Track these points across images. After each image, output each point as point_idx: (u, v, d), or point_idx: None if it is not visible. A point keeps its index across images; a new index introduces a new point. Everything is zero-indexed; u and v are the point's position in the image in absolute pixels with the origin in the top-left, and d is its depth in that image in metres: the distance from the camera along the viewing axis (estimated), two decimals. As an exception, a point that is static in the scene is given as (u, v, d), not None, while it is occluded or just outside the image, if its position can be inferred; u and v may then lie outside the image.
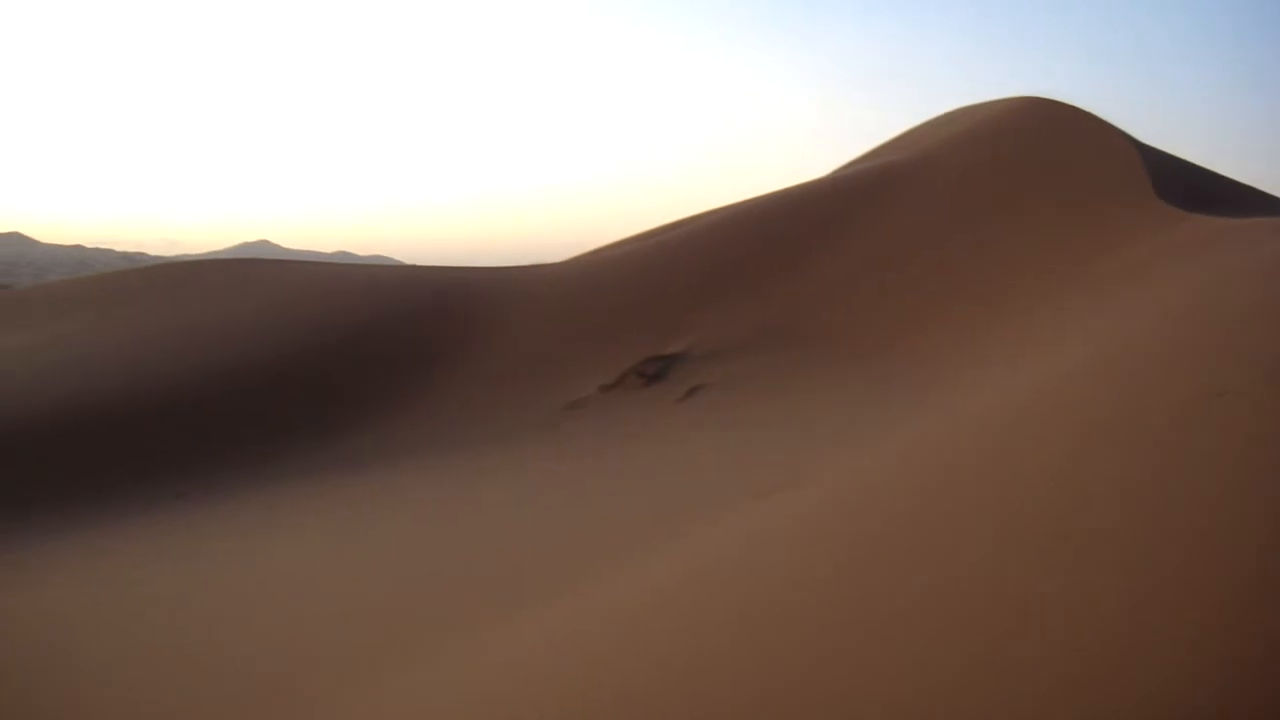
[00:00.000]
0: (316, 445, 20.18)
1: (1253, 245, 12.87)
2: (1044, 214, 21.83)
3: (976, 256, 21.28)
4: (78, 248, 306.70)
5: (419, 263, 44.27)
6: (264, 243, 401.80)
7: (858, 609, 4.00)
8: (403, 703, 5.96)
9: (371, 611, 8.40)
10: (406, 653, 6.94)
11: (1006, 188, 24.05)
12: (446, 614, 7.72)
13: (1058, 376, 7.79)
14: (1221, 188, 26.03)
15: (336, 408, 21.94)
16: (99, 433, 20.05)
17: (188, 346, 24.75)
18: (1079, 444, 5.01)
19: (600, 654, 4.97)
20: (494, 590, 8.14)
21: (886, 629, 3.58)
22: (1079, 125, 26.11)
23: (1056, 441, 5.33)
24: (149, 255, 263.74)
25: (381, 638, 7.49)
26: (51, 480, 18.20)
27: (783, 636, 3.97)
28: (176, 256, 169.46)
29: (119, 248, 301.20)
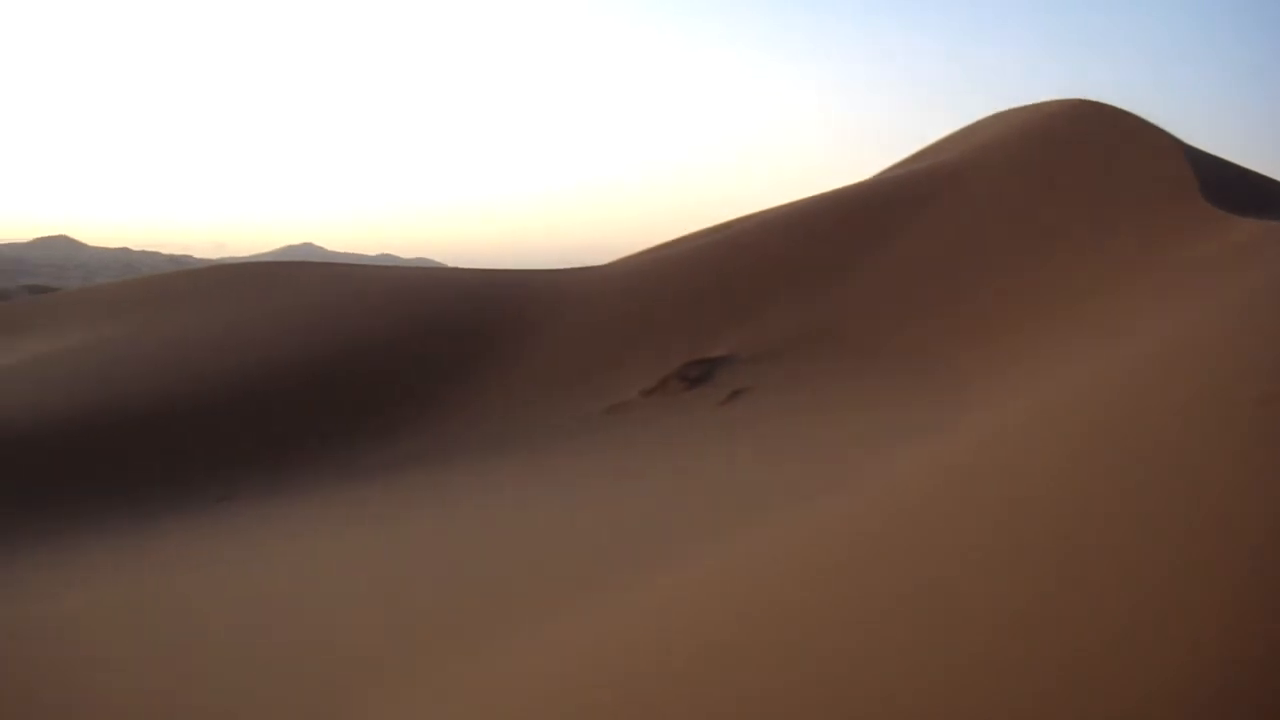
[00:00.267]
0: (359, 449, 20.27)
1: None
2: (1090, 217, 21.63)
3: (1021, 260, 21.09)
4: (124, 250, 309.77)
5: (462, 265, 44.47)
6: (309, 245, 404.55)
7: (884, 611, 3.97)
8: (435, 706, 5.95)
9: (406, 617, 8.39)
10: (440, 658, 6.92)
11: (1052, 190, 23.85)
12: (482, 618, 7.71)
13: (1102, 382, 7.70)
14: (1267, 188, 25.76)
15: (380, 411, 22.02)
16: (145, 435, 20.20)
17: (234, 349, 24.91)
18: (1120, 448, 4.94)
19: (633, 657, 4.94)
20: (529, 594, 8.12)
21: (914, 631, 3.53)
22: (1124, 127, 25.88)
23: (1095, 447, 5.25)
24: (195, 258, 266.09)
25: (415, 643, 7.47)
26: (98, 482, 18.35)
27: (810, 639, 3.93)
28: (223, 259, 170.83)
29: (165, 250, 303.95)
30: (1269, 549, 3.12)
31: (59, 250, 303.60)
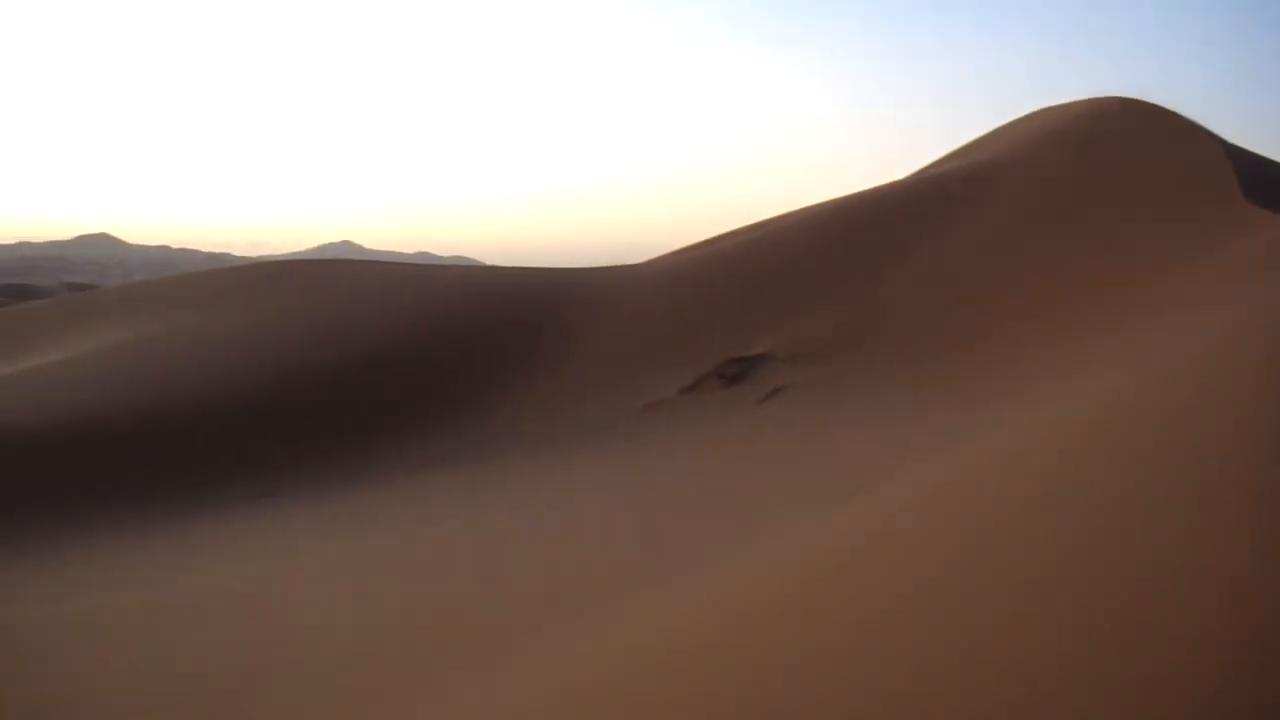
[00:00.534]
0: (397, 448, 20.36)
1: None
2: (1129, 216, 21.51)
3: (1058, 260, 20.97)
4: (164, 248, 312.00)
5: (499, 263, 44.59)
6: (346, 243, 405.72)
7: (904, 615, 3.99)
8: (463, 709, 5.99)
9: (438, 619, 8.42)
10: (470, 660, 6.95)
11: (1090, 189, 23.73)
12: (518, 618, 7.72)
13: (1143, 384, 7.68)
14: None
15: (417, 410, 22.11)
16: (186, 431, 20.37)
17: (272, 347, 25.07)
18: (1160, 453, 4.95)
19: (654, 662, 4.98)
20: (564, 594, 8.14)
21: (938, 635, 3.55)
22: (1163, 124, 25.71)
23: (1132, 450, 5.26)
24: (234, 255, 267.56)
25: (445, 646, 7.49)
26: (138, 478, 18.51)
27: (833, 644, 3.96)
28: (261, 257, 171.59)
29: (204, 248, 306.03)
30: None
31: (100, 248, 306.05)
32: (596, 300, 27.03)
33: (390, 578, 10.47)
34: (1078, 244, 21.27)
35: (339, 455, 19.94)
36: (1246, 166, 22.77)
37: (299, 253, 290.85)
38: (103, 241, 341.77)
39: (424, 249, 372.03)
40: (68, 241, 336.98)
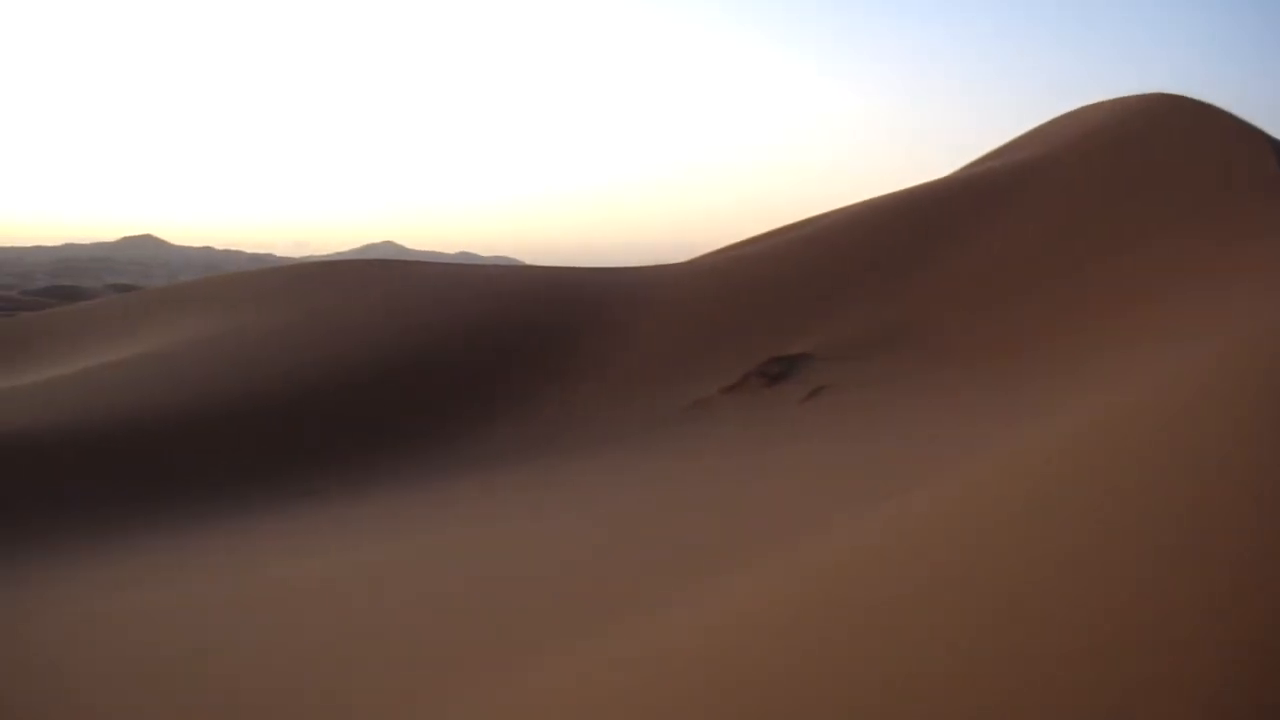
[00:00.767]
0: (439, 448, 20.42)
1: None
2: (1172, 213, 21.33)
3: (1101, 258, 20.83)
4: (208, 249, 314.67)
5: (541, 263, 44.68)
6: (389, 243, 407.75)
7: (944, 619, 3.98)
8: (502, 707, 6.00)
9: (482, 616, 8.45)
10: (510, 657, 6.96)
11: (1132, 187, 23.55)
12: (559, 619, 7.73)
13: (1182, 382, 7.59)
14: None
15: (460, 410, 22.19)
16: (230, 431, 20.51)
17: (313, 347, 25.21)
18: (1199, 455, 4.90)
19: (707, 662, 4.97)
20: (606, 594, 8.15)
21: (978, 636, 3.54)
22: (1206, 121, 25.50)
23: (1168, 452, 5.21)
24: (276, 256, 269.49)
25: (485, 642, 7.51)
26: (181, 479, 18.65)
27: (873, 647, 3.94)
28: (304, 258, 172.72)
29: (248, 249, 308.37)
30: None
31: (145, 250, 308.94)
32: (639, 300, 27.05)
33: (432, 578, 10.50)
34: (1121, 244, 21.12)
35: (381, 455, 20.04)
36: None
37: (341, 253, 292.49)
38: (147, 243, 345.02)
39: (466, 249, 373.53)
40: (113, 243, 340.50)
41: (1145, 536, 3.90)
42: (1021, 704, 2.96)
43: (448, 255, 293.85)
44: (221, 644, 9.07)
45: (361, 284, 31.29)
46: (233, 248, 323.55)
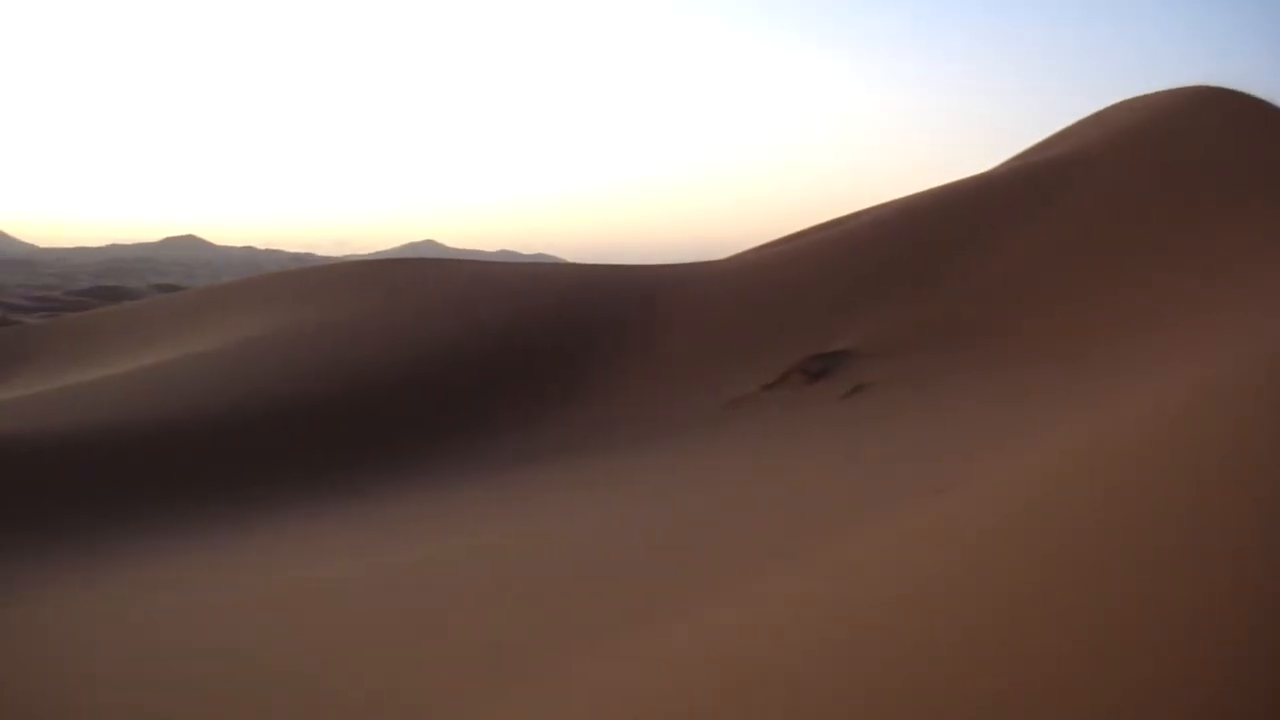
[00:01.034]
0: (479, 446, 20.45)
1: None
2: (1218, 206, 21.15)
3: (1146, 252, 20.65)
4: (249, 249, 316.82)
5: (581, 260, 44.76)
6: (429, 242, 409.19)
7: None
8: (545, 708, 6.01)
9: (524, 614, 8.48)
10: (553, 657, 6.97)
11: (1177, 180, 23.35)
12: (604, 616, 7.75)
13: (1228, 378, 7.53)
14: None
15: (500, 409, 22.25)
16: (275, 430, 20.64)
17: (354, 346, 25.36)
18: (1242, 457, 4.88)
19: (752, 655, 4.98)
20: (651, 591, 8.16)
21: (1012, 637, 3.54)
22: (1259, 115, 25.26)
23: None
24: (318, 255, 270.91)
25: (526, 643, 7.53)
26: (228, 476, 18.78)
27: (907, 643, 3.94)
28: (345, 257, 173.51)
29: (289, 249, 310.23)
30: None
31: (187, 250, 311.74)
32: (680, 296, 27.05)
33: (474, 577, 10.53)
34: (1161, 236, 20.94)
35: (422, 453, 20.10)
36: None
37: (382, 252, 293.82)
38: (190, 243, 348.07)
39: (506, 247, 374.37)
40: (156, 243, 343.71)
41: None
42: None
43: (488, 253, 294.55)
44: (260, 644, 9.12)
45: (405, 282, 31.43)
46: (274, 247, 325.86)
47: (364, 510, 16.60)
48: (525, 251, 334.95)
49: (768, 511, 10.81)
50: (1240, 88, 27.23)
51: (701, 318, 25.48)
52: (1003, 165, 34.01)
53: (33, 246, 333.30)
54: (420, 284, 30.89)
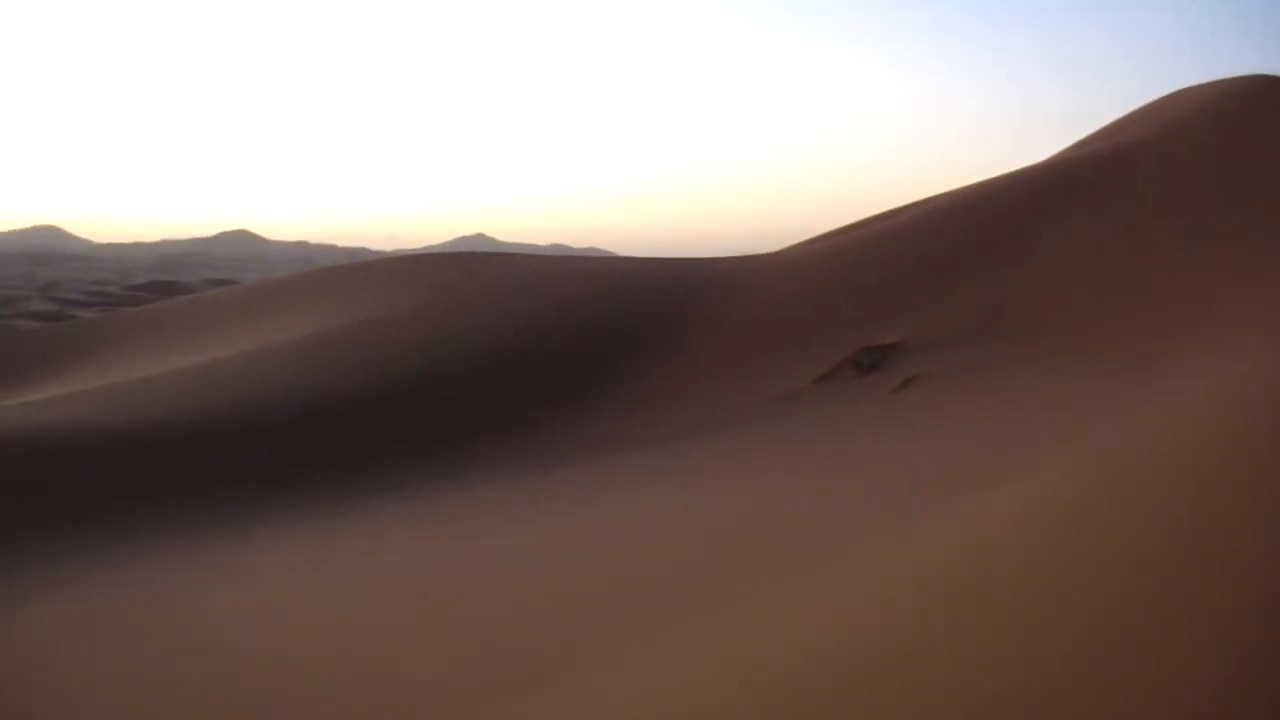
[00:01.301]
0: (531, 441, 20.48)
1: None
2: (1274, 197, 20.88)
3: (1201, 244, 20.39)
4: (302, 244, 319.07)
5: (632, 253, 44.82)
6: (480, 236, 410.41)
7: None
8: (585, 705, 6.03)
9: (573, 608, 8.48)
10: (596, 653, 6.97)
11: (1232, 171, 23.08)
12: (647, 610, 7.73)
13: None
14: None
15: (552, 402, 22.27)
16: (321, 426, 20.76)
17: (403, 341, 25.49)
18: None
19: (812, 647, 4.99)
20: (701, 585, 8.14)
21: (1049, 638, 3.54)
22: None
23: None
24: (370, 250, 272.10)
25: (577, 641, 7.52)
26: (280, 471, 18.89)
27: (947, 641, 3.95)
28: (396, 251, 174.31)
29: (341, 243, 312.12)
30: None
31: (240, 245, 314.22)
32: (731, 290, 27.04)
33: (525, 575, 10.54)
34: (1217, 227, 20.70)
35: (469, 449, 20.14)
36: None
37: (433, 246, 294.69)
38: (243, 238, 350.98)
39: (558, 240, 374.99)
40: (210, 239, 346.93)
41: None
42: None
43: (539, 247, 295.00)
44: (314, 641, 9.17)
45: (453, 277, 31.57)
46: (327, 242, 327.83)
47: (407, 509, 16.57)
48: (576, 245, 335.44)
49: (813, 508, 10.79)
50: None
51: (754, 311, 25.45)
52: (1058, 155, 33.75)
53: (89, 243, 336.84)
54: (471, 278, 31.03)
